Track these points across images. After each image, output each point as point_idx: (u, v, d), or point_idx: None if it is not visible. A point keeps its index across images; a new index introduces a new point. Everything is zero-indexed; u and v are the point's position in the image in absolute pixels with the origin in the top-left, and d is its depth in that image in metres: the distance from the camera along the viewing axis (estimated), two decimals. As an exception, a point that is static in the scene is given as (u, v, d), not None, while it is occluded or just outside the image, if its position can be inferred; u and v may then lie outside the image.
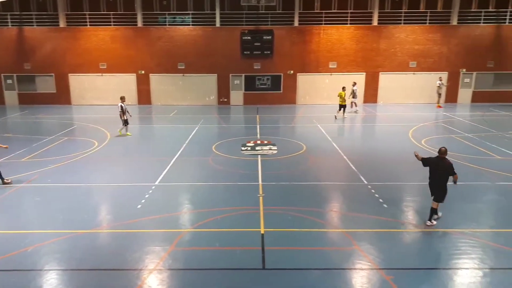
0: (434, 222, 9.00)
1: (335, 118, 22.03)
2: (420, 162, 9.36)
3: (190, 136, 18.01)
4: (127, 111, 18.02)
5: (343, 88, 22.17)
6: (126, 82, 27.56)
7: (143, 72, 27.52)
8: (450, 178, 8.77)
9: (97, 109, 26.08)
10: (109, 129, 19.40)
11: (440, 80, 25.70)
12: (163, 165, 13.51)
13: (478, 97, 27.50)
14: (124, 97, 18.31)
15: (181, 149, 15.70)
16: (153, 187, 11.46)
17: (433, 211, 8.98)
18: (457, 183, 8.85)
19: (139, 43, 27.17)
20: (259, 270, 7.28)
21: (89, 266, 7.44)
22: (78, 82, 27.75)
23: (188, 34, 27.15)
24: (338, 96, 21.93)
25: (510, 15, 26.75)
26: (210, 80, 27.81)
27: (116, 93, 27.11)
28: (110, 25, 27.06)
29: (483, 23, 26.77)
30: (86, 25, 27.08)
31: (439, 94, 25.74)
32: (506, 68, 27.18)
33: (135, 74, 27.59)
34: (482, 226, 9.03)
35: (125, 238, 8.51)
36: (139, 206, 10.10)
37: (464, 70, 27.26)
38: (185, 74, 27.63)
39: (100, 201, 10.76)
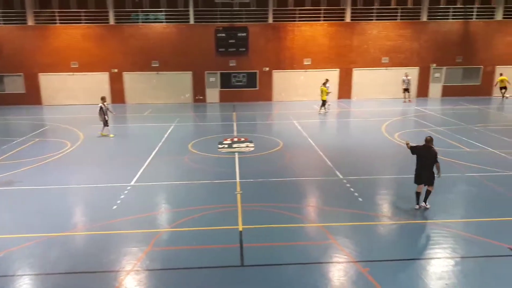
0: (428, 205, 9.57)
1: (320, 113, 22.52)
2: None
3: (166, 135, 17.83)
4: (110, 111, 17.69)
5: (324, 84, 22.70)
6: (99, 81, 26.99)
7: (116, 70, 27.03)
8: None
9: (70, 109, 25.47)
10: (82, 129, 19.00)
11: (406, 76, 26.07)
12: (138, 165, 13.34)
13: (448, 91, 28.28)
14: (104, 97, 17.98)
15: (157, 148, 15.53)
16: (129, 188, 11.31)
17: (429, 194, 9.50)
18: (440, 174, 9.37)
19: (112, 41, 26.67)
20: (237, 267, 7.31)
21: (64, 269, 7.29)
22: (48, 81, 27.00)
23: (162, 31, 26.83)
24: (321, 91, 22.45)
25: (477, 11, 27.60)
26: (185, 78, 27.58)
27: (89, 92, 26.76)
28: (80, 23, 26.42)
29: (452, 19, 27.52)
30: (56, 23, 26.35)
31: (406, 90, 26.07)
32: (473, 63, 28.03)
33: (108, 72, 27.06)
34: (453, 217, 9.32)
35: (101, 240, 8.37)
36: (114, 207, 9.96)
37: (435, 65, 27.98)
38: (159, 72, 27.30)
39: (74, 203, 10.54)
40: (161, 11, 26.96)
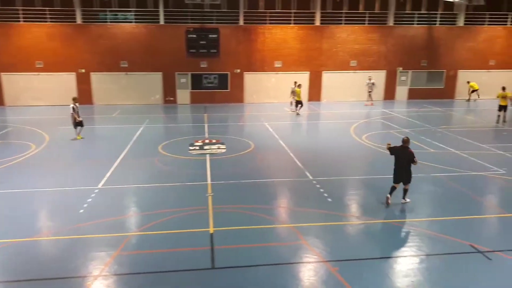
0: (408, 200, 10.15)
1: (297, 114, 22.94)
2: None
3: (135, 137, 17.53)
4: (78, 112, 17.05)
5: (299, 86, 23.26)
6: (65, 81, 26.26)
7: (83, 70, 26.36)
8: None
9: (35, 110, 24.63)
10: (47, 131, 18.40)
11: (369, 79, 26.50)
12: (106, 167, 13.05)
13: (413, 94, 29.18)
14: (76, 98, 17.46)
15: (125, 151, 15.25)
16: (96, 191, 11.04)
17: (406, 191, 10.13)
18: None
19: (79, 40, 25.99)
20: (208, 270, 7.27)
21: (29, 276, 7.03)
22: (12, 81, 26.01)
23: (131, 31, 26.38)
24: (296, 93, 22.95)
25: (440, 17, 28.64)
26: (155, 79, 27.22)
27: (55, 93, 26.01)
28: (46, 21, 25.62)
29: (417, 24, 28.44)
30: (19, 21, 25.44)
31: (369, 93, 26.52)
32: (437, 67, 29.08)
33: (74, 73, 26.36)
34: (419, 216, 9.62)
35: (67, 245, 8.13)
36: (81, 211, 9.70)
37: (401, 68, 28.83)
38: (128, 73, 26.83)
39: (38, 207, 10.18)
40: (130, 11, 26.51)
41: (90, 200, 10.37)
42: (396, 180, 10.02)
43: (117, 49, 26.28)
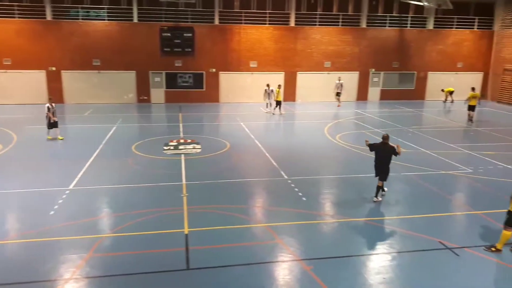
0: (380, 198, 10.44)
1: (281, 114, 23.10)
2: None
3: (107, 136, 17.20)
4: (53, 113, 16.42)
5: (279, 86, 23.57)
6: (35, 80, 25.50)
7: (54, 68, 25.65)
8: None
9: (2, 109, 23.77)
10: (16, 131, 17.81)
11: (339, 80, 26.43)
12: (77, 168, 12.75)
13: (385, 95, 29.82)
14: (52, 97, 16.99)
15: (98, 151, 14.95)
16: (67, 192, 10.79)
17: (379, 189, 10.43)
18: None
19: (49, 37, 25.27)
20: (183, 271, 7.23)
21: (-5, 281, 6.81)
22: (-24, 79, 25.05)
23: (104, 29, 25.85)
24: (276, 93, 23.24)
25: (411, 20, 29.38)
26: (128, 77, 26.77)
27: (24, 91, 25.24)
28: (14, 17, 24.78)
29: (388, 26, 29.08)
30: (-15, 16, 24.54)
31: (338, 94, 26.36)
32: (408, 68, 29.82)
33: (45, 71, 25.61)
34: (390, 214, 9.86)
35: (37, 248, 7.91)
36: (51, 213, 9.45)
37: (373, 70, 29.40)
38: (100, 71, 26.28)
39: (6, 210, 9.83)
40: (102, 8, 25.96)
41: (61, 201, 10.12)
42: (377, 173, 10.47)
43: (89, 47, 25.70)
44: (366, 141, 10.96)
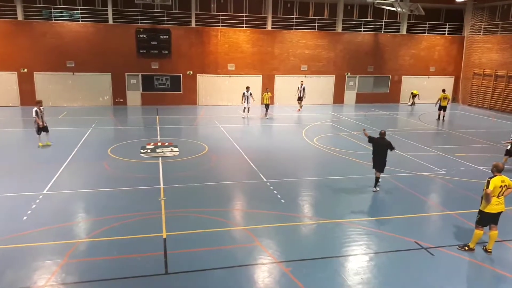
0: (378, 189, 11.45)
1: (267, 117, 23.30)
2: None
3: (82, 140, 16.85)
4: (42, 117, 15.63)
5: (267, 90, 24.02)
6: (5, 81, 24.77)
7: (25, 70, 24.95)
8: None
9: (-31, 111, 22.94)
10: (-16, 134, 17.22)
11: (301, 84, 25.62)
12: (51, 172, 12.44)
13: (361, 98, 30.35)
14: (41, 101, 16.10)
15: (72, 154, 14.62)
16: (41, 196, 10.50)
17: (377, 180, 11.50)
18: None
19: (20, 38, 24.57)
20: (161, 276, 7.14)
21: (-36, 290, 6.56)
22: None
23: (78, 30, 25.33)
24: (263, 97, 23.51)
25: (385, 25, 30.04)
26: (103, 80, 26.32)
27: (-7, 93, 24.42)
28: (-18, 16, 24.01)
29: (363, 31, 29.63)
30: (-48, 15, 23.66)
31: (300, 98, 25.65)
32: (383, 72, 30.45)
33: (16, 72, 24.89)
34: (367, 215, 10.03)
35: (9, 255, 7.65)
36: (24, 218, 9.17)
37: (349, 73, 29.88)
38: (75, 73, 25.73)
39: (-25, 216, 9.50)
40: (76, 9, 25.45)
41: (34, 206, 9.84)
42: (375, 165, 11.54)
43: (63, 48, 25.13)
44: (364, 130, 12.47)
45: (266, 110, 23.58)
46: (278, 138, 19.30)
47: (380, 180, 11.61)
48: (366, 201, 11.05)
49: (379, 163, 11.40)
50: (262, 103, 23.59)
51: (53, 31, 24.94)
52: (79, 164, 13.59)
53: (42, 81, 25.41)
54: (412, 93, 30.22)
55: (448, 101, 23.31)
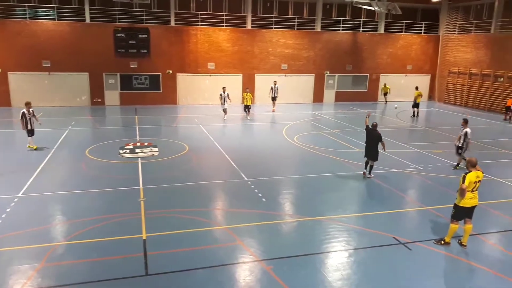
0: (372, 175, 12.48)
1: (248, 118, 22.76)
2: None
3: (59, 141, 16.52)
4: (33, 119, 15.14)
5: (246, 90, 23.49)
6: (-23, 82, 24.02)
7: (-1, 70, 24.32)
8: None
9: None
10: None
11: (274, 84, 25.31)
12: (27, 174, 12.15)
13: (340, 97, 30.66)
14: (29, 102, 15.43)
15: (49, 155, 14.32)
16: (16, 199, 10.25)
17: (371, 167, 12.46)
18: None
19: (-8, 37, 23.91)
20: (141, 277, 7.07)
21: None
22: None
23: (54, 29, 24.79)
24: (243, 98, 22.89)
25: (363, 24, 30.43)
26: (81, 79, 25.83)
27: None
28: (-48, 14, 23.25)
29: (342, 30, 29.94)
30: None
31: (273, 98, 25.27)
32: (361, 71, 30.85)
33: (-12, 72, 24.22)
34: (346, 212, 10.14)
35: (-17, 260, 7.46)
36: (-1, 222, 8.95)
37: (328, 72, 30.15)
38: (51, 73, 25.18)
39: None
40: (52, 8, 24.89)
41: (9, 209, 9.60)
42: (366, 154, 12.52)
43: (38, 48, 24.56)
44: (368, 115, 13.41)
45: (248, 111, 22.95)
46: (259, 137, 19.34)
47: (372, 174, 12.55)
48: (345, 198, 11.19)
49: (370, 152, 12.31)
50: (242, 103, 23.10)
51: (28, 30, 24.34)
52: (56, 165, 13.32)
53: (17, 81, 24.78)
54: (382, 89, 30.53)
55: (421, 98, 24.27)
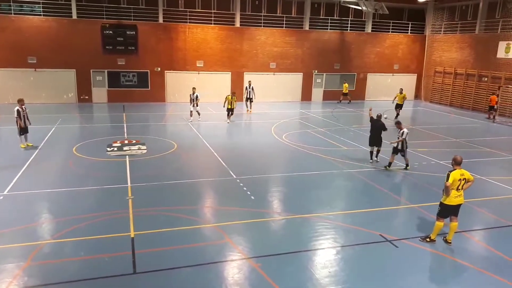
0: (378, 160, 14.19)
1: (227, 123, 21.03)
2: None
3: (46, 138, 16.32)
4: (26, 117, 14.81)
5: (233, 93, 21.54)
6: (-40, 78, 23.56)
7: (-18, 66, 23.87)
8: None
9: None
10: None
11: (249, 85, 24.21)
12: (12, 172, 11.99)
13: (328, 96, 30.84)
14: (22, 99, 15.01)
15: (35, 153, 14.14)
16: (1, 198, 10.12)
17: (378, 152, 14.18)
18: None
19: (-24, 32, 23.46)
20: (129, 275, 7.05)
21: None
22: None
23: (40, 25, 24.43)
24: (225, 99, 20.97)
25: (351, 24, 30.64)
26: (67, 76, 25.52)
27: None
28: None
29: (330, 29, 30.10)
30: None
31: (249, 99, 24.21)
32: (349, 69, 31.07)
33: (-28, 68, 23.76)
34: (334, 209, 10.24)
35: (-33, 259, 7.35)
36: (-16, 221, 8.82)
37: (316, 71, 30.29)
38: (37, 69, 24.82)
39: None
40: (38, 3, 24.51)
41: (-6, 208, 9.47)
42: (370, 143, 14.09)
43: (24, 44, 24.18)
44: (370, 110, 15.06)
45: (231, 114, 21.21)
46: (248, 135, 19.37)
47: (378, 159, 14.27)
48: (332, 195, 11.30)
49: (375, 139, 13.92)
50: (227, 106, 21.02)
51: (13, 26, 23.95)
52: (43, 163, 13.16)
53: (2, 77, 24.37)
54: (342, 89, 29.84)
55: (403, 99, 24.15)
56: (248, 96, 24.25)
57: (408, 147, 13.49)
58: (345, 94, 29.95)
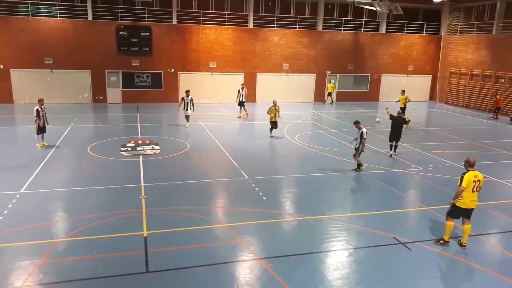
0: (396, 153, 15.08)
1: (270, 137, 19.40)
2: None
3: (61, 138, 16.57)
4: (45, 117, 15.08)
5: (275, 104, 19.17)
6: (-21, 78, 24.07)
7: (1, 67, 24.34)
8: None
9: None
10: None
11: (242, 88, 23.05)
12: (29, 170, 12.20)
13: (341, 97, 30.65)
14: (42, 99, 15.35)
15: (51, 152, 14.37)
16: (18, 196, 10.30)
17: (396, 147, 15.09)
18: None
19: (-5, 34, 23.95)
20: (142, 274, 7.12)
21: None
22: None
23: (56, 26, 24.84)
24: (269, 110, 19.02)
25: (365, 24, 30.43)
26: (83, 77, 25.89)
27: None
28: (-45, 11, 23.30)
29: (344, 30, 29.93)
30: None
31: (241, 103, 22.85)
32: (362, 70, 30.85)
33: (-9, 69, 24.27)
34: (346, 211, 10.18)
35: (-15, 256, 7.51)
36: (0, 218, 8.99)
37: (329, 72, 30.15)
38: (53, 70, 25.23)
39: (-51, 216, 9.26)
40: (54, 5, 24.93)
41: (10, 206, 9.65)
42: (391, 139, 14.99)
43: (41, 45, 24.61)
44: (387, 108, 15.77)
45: (273, 129, 18.27)
46: (260, 135, 19.33)
47: (396, 153, 15.12)
48: (345, 197, 11.23)
49: (395, 135, 14.88)
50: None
51: (30, 27, 24.40)
52: (58, 162, 13.37)
53: (19, 78, 24.84)
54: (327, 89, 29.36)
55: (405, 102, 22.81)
56: (241, 100, 22.78)
57: (363, 149, 12.95)
58: (329, 94, 29.48)
